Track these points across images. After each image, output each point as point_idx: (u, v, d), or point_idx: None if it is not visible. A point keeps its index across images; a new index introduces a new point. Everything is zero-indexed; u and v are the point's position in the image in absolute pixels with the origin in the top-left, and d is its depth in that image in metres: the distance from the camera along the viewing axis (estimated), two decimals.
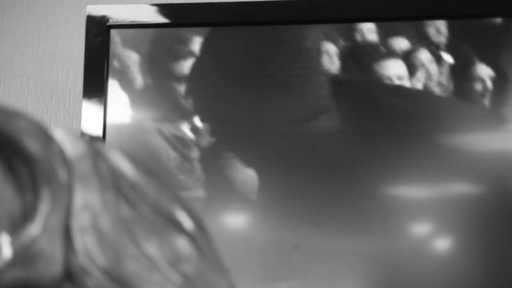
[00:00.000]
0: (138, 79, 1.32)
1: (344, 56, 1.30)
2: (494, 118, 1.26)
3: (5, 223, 0.32)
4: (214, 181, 1.26)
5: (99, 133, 1.28)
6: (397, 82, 1.28)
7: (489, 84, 1.27)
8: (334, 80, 1.29)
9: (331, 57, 1.30)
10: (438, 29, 1.29)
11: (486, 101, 1.26)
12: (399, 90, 1.28)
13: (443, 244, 1.23)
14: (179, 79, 1.31)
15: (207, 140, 1.29)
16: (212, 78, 1.32)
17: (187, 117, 1.30)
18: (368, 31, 1.30)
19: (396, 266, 1.21)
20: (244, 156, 1.27)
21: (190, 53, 1.32)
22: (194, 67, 1.31)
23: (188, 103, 1.30)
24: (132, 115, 1.31)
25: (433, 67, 1.28)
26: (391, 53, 1.29)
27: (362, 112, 1.28)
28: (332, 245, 1.23)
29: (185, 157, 1.28)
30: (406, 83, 1.28)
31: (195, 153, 1.28)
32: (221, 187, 1.26)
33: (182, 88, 1.31)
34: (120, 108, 1.31)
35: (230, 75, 1.32)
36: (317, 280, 1.21)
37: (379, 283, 1.21)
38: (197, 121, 1.30)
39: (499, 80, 1.27)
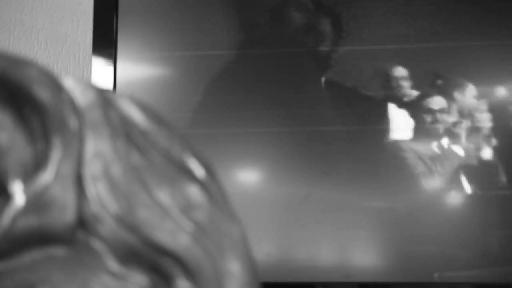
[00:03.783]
0: (148, 31, 1.31)
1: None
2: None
3: (18, 171, 0.32)
4: (226, 135, 1.26)
5: (110, 85, 1.28)
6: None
7: None
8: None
9: None
10: None
11: None
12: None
13: (455, 194, 1.23)
14: (190, 30, 1.30)
15: (216, 96, 1.29)
16: (221, 31, 1.31)
17: (199, 70, 1.29)
18: None
19: (409, 216, 1.22)
20: (255, 111, 1.27)
21: (202, 5, 1.31)
22: (206, 18, 1.30)
23: (199, 55, 1.29)
24: (143, 67, 1.31)
25: None
26: None
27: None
28: (344, 194, 1.23)
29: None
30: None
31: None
32: (231, 140, 1.26)
33: (193, 40, 1.30)
34: (130, 60, 1.30)
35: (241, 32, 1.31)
36: (329, 229, 1.22)
37: (391, 231, 1.22)
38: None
39: None
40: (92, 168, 0.33)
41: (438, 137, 1.24)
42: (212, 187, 0.37)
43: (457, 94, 1.25)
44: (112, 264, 0.33)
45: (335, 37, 1.28)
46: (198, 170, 0.37)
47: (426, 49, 1.26)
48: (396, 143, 1.24)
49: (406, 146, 1.24)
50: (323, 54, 1.28)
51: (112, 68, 1.29)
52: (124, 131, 0.35)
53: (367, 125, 1.25)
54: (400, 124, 1.25)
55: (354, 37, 1.27)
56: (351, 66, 1.27)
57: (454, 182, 1.23)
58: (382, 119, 1.25)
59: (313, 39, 1.29)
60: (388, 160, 1.23)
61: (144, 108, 0.37)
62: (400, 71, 1.26)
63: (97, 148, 0.34)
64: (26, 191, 0.31)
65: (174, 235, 0.34)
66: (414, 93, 1.25)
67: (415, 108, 1.25)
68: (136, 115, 0.36)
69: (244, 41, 1.30)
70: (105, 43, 1.30)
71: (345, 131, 1.24)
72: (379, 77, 1.26)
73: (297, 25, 1.29)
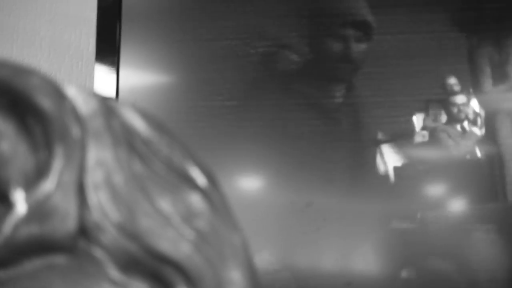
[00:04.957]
0: (151, 39, 1.31)
1: None
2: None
3: (20, 180, 0.32)
4: (228, 142, 1.27)
5: (112, 93, 1.29)
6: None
7: None
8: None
9: None
10: None
11: None
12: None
13: (457, 204, 1.23)
14: (192, 39, 1.30)
15: (219, 104, 1.29)
16: (227, 40, 1.31)
17: (201, 78, 1.29)
18: None
19: (410, 224, 1.22)
20: (255, 118, 1.27)
21: (204, 14, 1.31)
22: (208, 27, 1.31)
23: (202, 63, 1.29)
24: (146, 76, 1.31)
25: None
26: None
27: (372, 70, 1.27)
28: (346, 202, 1.23)
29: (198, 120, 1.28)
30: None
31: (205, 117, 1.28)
32: (233, 147, 1.26)
33: (195, 48, 1.30)
34: (133, 69, 1.31)
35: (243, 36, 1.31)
36: (330, 237, 1.22)
37: (392, 241, 1.22)
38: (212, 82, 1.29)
39: None
40: (94, 177, 0.33)
41: (444, 144, 1.24)
42: (214, 195, 0.37)
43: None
44: (113, 272, 0.33)
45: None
46: (200, 178, 0.37)
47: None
48: (398, 151, 1.24)
49: (410, 154, 1.25)
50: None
51: (115, 76, 1.29)
52: (126, 140, 0.35)
53: (369, 134, 1.25)
54: (403, 133, 1.25)
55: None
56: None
57: (459, 191, 1.23)
58: (386, 128, 1.25)
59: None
60: (391, 169, 1.23)
61: (146, 116, 0.37)
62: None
63: (99, 157, 0.34)
64: (27, 199, 0.31)
65: (176, 243, 0.34)
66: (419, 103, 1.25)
67: (420, 116, 1.25)
68: (138, 123, 0.36)
69: (248, 46, 1.30)
70: (108, 51, 1.31)
71: (348, 139, 1.25)
72: (383, 90, 1.26)
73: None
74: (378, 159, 1.24)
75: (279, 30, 1.30)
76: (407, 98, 1.25)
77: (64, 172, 0.32)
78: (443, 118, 1.24)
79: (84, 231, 0.33)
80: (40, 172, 0.32)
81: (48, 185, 0.32)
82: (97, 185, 0.33)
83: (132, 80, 1.30)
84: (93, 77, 1.32)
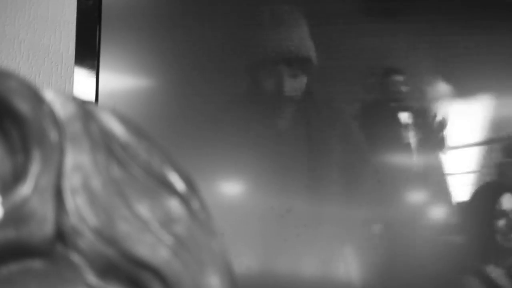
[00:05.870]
0: (131, 43, 1.31)
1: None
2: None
3: None
4: (207, 148, 1.26)
5: (92, 97, 1.28)
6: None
7: None
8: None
9: None
10: None
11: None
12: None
13: (437, 209, 1.23)
14: (172, 43, 1.30)
15: (196, 108, 1.28)
16: (202, 43, 1.31)
17: (181, 83, 1.29)
18: None
19: (390, 230, 1.22)
20: (236, 124, 1.27)
21: (183, 18, 1.31)
22: (187, 31, 1.31)
23: (181, 67, 1.29)
24: (125, 79, 1.31)
25: None
26: None
27: (354, 78, 1.28)
28: (325, 209, 1.23)
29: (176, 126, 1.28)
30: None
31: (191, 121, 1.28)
32: (212, 153, 1.26)
33: (176, 51, 1.30)
34: (113, 72, 1.30)
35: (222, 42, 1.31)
36: (310, 243, 1.22)
37: (372, 247, 1.22)
38: (190, 85, 1.29)
39: None
40: (71, 181, 0.33)
41: (420, 150, 1.25)
42: (192, 200, 0.37)
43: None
44: (91, 277, 0.33)
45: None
46: (178, 184, 0.37)
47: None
48: (379, 156, 1.25)
49: (389, 160, 1.25)
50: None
51: (94, 79, 1.29)
52: (104, 144, 0.35)
53: (349, 138, 1.25)
54: (382, 137, 1.25)
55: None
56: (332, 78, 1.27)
57: (439, 195, 1.23)
58: (364, 132, 1.25)
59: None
60: (370, 174, 1.24)
61: (125, 120, 0.37)
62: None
63: (77, 161, 0.34)
64: (4, 203, 0.31)
65: (154, 248, 0.34)
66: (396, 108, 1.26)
67: (396, 122, 1.26)
68: (116, 127, 0.36)
69: (225, 51, 1.30)
70: (87, 54, 1.30)
71: (327, 144, 1.25)
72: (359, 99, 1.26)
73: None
74: (358, 165, 1.24)
75: (261, 39, 1.30)
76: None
77: (41, 176, 0.32)
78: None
79: (62, 236, 0.32)
80: (17, 176, 0.32)
81: (25, 189, 0.31)
82: (74, 189, 0.33)
83: (112, 84, 1.29)
84: (72, 81, 1.31)
